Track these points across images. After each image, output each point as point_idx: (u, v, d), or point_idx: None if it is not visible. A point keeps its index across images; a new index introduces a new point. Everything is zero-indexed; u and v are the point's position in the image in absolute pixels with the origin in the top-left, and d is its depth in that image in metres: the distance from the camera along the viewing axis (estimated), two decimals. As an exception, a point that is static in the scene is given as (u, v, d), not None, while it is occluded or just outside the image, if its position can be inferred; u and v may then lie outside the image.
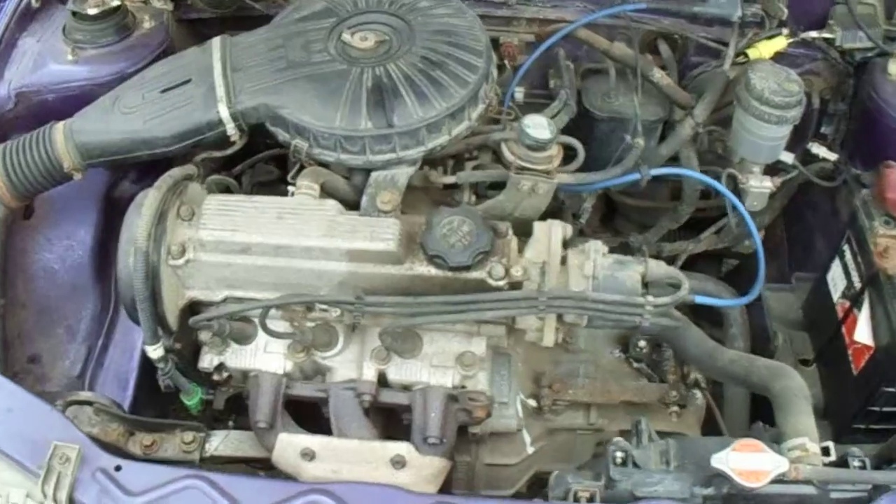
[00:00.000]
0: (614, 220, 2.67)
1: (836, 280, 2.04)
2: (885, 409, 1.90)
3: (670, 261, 2.38)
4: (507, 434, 2.01)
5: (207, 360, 1.85)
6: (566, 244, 1.81)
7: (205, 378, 1.91)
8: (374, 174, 1.80)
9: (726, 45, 2.22)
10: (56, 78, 2.09)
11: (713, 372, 1.97)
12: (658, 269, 1.79)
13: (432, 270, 1.70)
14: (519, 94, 2.29)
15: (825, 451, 1.58)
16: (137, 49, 2.13)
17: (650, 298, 1.70)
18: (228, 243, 1.70)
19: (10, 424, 1.56)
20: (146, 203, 1.71)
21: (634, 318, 1.71)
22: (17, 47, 2.15)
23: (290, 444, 1.77)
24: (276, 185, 2.15)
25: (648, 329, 1.80)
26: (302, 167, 1.86)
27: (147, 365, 2.11)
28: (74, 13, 2.11)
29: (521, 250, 1.79)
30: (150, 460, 1.88)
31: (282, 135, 1.84)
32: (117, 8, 2.12)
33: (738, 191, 2.16)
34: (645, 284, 1.79)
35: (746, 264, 2.71)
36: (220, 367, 1.86)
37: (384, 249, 1.67)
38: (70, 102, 2.06)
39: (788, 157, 2.18)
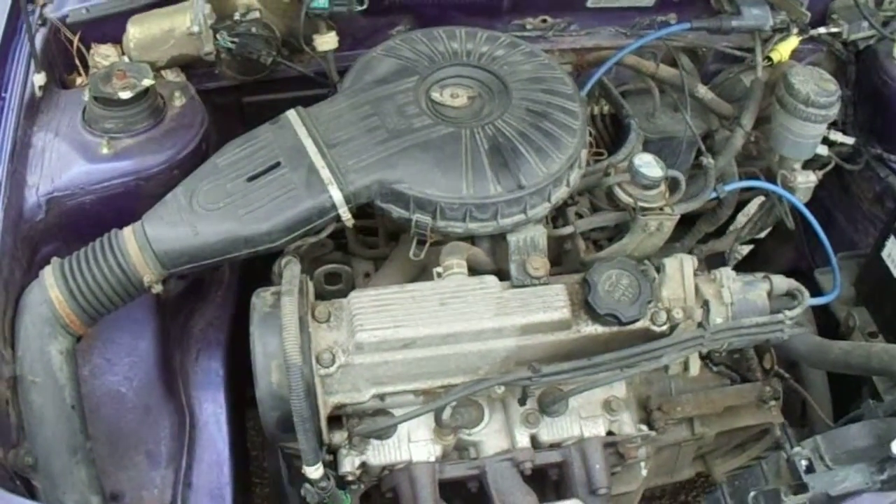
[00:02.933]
0: None
1: (893, 256, 2.15)
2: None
3: (721, 257, 2.46)
4: (628, 464, 2.00)
5: (349, 464, 1.71)
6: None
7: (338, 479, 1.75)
8: (512, 241, 1.70)
9: (747, 51, 2.28)
10: (93, 177, 1.81)
11: (826, 365, 2.04)
12: (781, 283, 1.83)
13: (598, 329, 1.66)
14: None
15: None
16: (179, 131, 1.87)
17: (787, 313, 1.75)
18: (392, 341, 1.56)
19: None
20: (285, 313, 1.53)
21: (777, 333, 1.75)
22: (32, 146, 1.84)
23: None
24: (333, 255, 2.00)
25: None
26: (421, 241, 1.72)
27: (239, 477, 1.93)
28: (98, 98, 1.83)
29: None
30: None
31: (396, 211, 1.70)
32: (148, 89, 1.85)
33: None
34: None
35: (760, 249, 2.85)
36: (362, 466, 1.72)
37: (560, 318, 1.61)
38: (112, 203, 1.82)
39: (823, 150, 2.27)
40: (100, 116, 1.84)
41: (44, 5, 2.00)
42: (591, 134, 1.93)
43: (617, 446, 1.79)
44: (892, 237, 2.16)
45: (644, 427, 2.02)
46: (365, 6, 1.96)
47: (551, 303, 1.60)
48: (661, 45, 2.29)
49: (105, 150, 1.82)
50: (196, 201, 1.68)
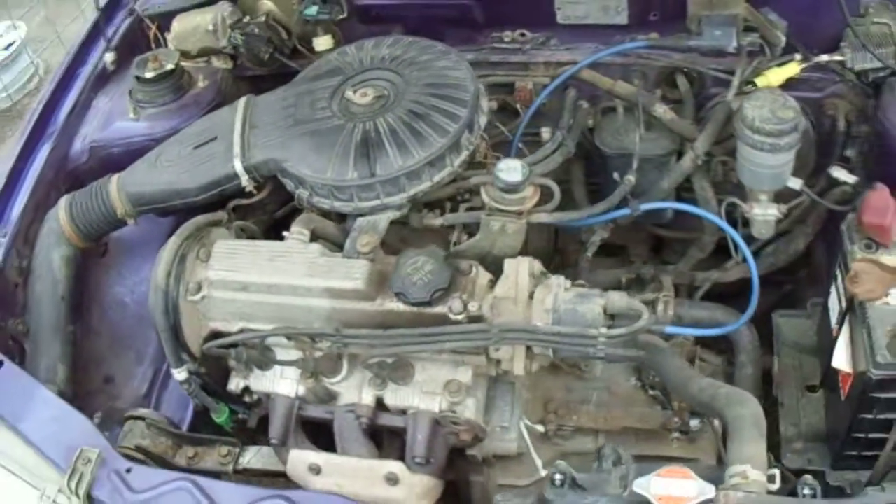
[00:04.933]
0: (663, 250, 2.83)
1: (833, 305, 2.11)
2: (871, 435, 1.96)
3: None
4: (518, 456, 2.18)
5: (234, 384, 2.18)
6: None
7: (237, 399, 2.24)
8: (358, 220, 2.08)
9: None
10: (121, 133, 2.52)
11: (688, 400, 2.08)
12: (620, 301, 1.94)
13: (400, 306, 1.94)
14: (546, 133, 2.51)
15: (771, 479, 1.68)
16: (190, 107, 2.52)
17: (603, 330, 1.87)
18: (230, 282, 2.04)
19: (53, 431, 1.96)
20: (167, 247, 2.09)
21: (588, 349, 1.88)
22: (93, 106, 2.61)
23: (299, 460, 2.07)
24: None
25: (615, 358, 1.96)
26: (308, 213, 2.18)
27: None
28: (137, 77, 2.54)
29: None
30: (192, 470, 2.23)
31: (289, 185, 2.17)
32: (172, 71, 2.52)
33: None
34: (612, 316, 1.96)
35: (800, 288, 2.79)
36: (247, 389, 2.18)
37: (353, 288, 1.94)
38: (132, 155, 2.45)
39: (796, 184, 2.25)
40: (137, 90, 2.55)
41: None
42: (485, 139, 2.19)
43: (443, 425, 2.01)
44: (833, 284, 2.13)
45: (540, 426, 2.25)
46: (345, 15, 2.45)
47: (351, 273, 1.94)
48: (650, 64, 2.44)
49: (131, 115, 2.52)
50: (160, 159, 2.31)
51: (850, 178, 2.32)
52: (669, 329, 2.03)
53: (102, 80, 2.66)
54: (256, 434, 2.32)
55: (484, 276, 2.00)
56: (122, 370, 2.47)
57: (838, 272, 2.06)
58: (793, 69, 2.32)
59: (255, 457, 2.26)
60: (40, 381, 2.21)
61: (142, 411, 2.29)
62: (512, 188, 2.05)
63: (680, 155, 2.42)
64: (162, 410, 2.42)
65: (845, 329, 1.97)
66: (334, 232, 2.15)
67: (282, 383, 2.14)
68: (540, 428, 2.22)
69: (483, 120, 2.17)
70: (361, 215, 2.11)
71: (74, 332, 2.38)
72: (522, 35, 2.52)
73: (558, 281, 1.98)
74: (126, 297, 2.55)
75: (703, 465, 1.90)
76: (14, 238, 2.35)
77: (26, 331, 2.33)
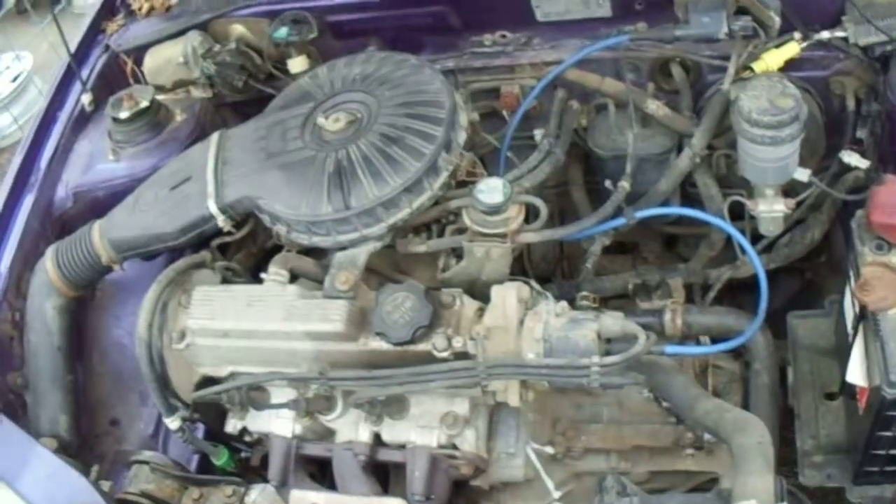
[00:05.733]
0: (677, 244, 2.72)
1: (847, 308, 1.98)
2: (891, 451, 1.85)
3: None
4: (528, 480, 2.12)
5: (231, 425, 2.15)
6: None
7: (237, 439, 2.22)
8: (336, 256, 2.01)
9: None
10: (103, 176, 2.48)
11: (693, 423, 1.99)
12: (614, 325, 1.85)
13: (383, 345, 1.88)
14: (538, 135, 2.40)
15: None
16: (169, 143, 2.46)
17: (595, 359, 1.78)
18: (210, 329, 2.00)
19: (48, 489, 1.97)
20: (147, 297, 2.05)
21: (581, 379, 1.80)
22: (74, 150, 2.56)
23: (301, 500, 2.03)
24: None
25: (613, 386, 1.87)
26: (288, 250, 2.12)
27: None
28: (113, 118, 2.49)
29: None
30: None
31: (266, 221, 2.11)
32: (148, 108, 2.47)
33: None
34: (608, 340, 1.87)
35: (820, 275, 2.65)
36: (245, 430, 2.15)
37: (332, 330, 1.88)
38: (116, 197, 2.41)
39: (804, 175, 2.14)
40: (115, 130, 2.50)
41: (111, 34, 2.71)
42: (464, 155, 2.09)
43: (440, 460, 1.96)
44: (847, 286, 2.00)
45: (549, 448, 2.17)
46: (315, 34, 2.37)
47: (328, 315, 1.88)
48: (641, 56, 2.32)
49: (110, 156, 2.48)
50: (137, 203, 2.26)
51: (863, 163, 2.18)
52: (670, 349, 1.93)
53: (82, 122, 2.62)
54: (263, 471, 2.30)
55: (470, 307, 1.93)
56: (127, 412, 2.46)
57: (851, 273, 1.93)
58: (792, 49, 2.18)
59: (260, 495, 2.22)
60: (43, 432, 2.23)
61: (146, 454, 2.28)
62: (494, 210, 1.95)
63: (680, 150, 2.30)
64: (170, 450, 2.42)
65: (859, 340, 1.84)
66: (313, 269, 2.08)
67: (278, 423, 2.11)
68: (549, 450, 2.16)
69: (462, 136, 2.07)
70: (342, 249, 2.04)
71: (74, 380, 2.37)
72: (503, 37, 2.41)
73: (548, 307, 1.89)
74: (124, 338, 2.53)
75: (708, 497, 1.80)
76: (5, 292, 2.34)
77: (26, 384, 2.33)
